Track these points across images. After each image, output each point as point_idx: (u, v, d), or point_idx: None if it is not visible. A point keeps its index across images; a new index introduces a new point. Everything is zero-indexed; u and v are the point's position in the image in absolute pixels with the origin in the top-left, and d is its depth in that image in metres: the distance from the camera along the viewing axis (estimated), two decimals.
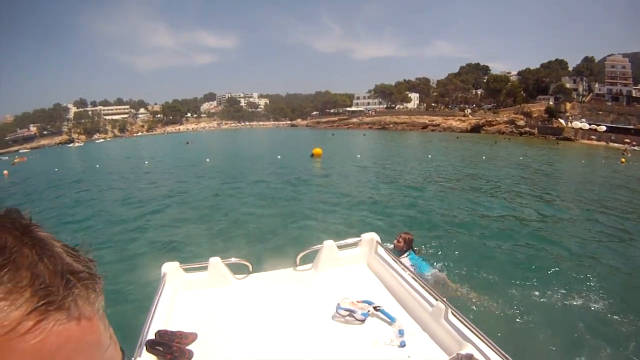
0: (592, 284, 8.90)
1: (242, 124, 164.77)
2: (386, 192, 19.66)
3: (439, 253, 10.48)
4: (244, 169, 29.70)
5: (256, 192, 19.71)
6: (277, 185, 21.33)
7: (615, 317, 7.48)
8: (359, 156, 36.98)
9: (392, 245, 7.32)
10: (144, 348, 2.70)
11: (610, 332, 6.96)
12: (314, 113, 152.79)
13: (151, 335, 2.87)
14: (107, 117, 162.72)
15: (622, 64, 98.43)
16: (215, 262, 4.01)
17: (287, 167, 29.13)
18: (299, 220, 13.91)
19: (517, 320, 7.23)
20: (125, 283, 8.75)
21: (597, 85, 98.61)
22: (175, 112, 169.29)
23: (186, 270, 4.02)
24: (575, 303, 8.00)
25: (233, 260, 4.20)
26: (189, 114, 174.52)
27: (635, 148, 69.69)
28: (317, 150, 35.97)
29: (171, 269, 3.88)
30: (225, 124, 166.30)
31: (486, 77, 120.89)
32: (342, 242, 4.49)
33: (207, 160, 36.27)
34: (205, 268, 4.04)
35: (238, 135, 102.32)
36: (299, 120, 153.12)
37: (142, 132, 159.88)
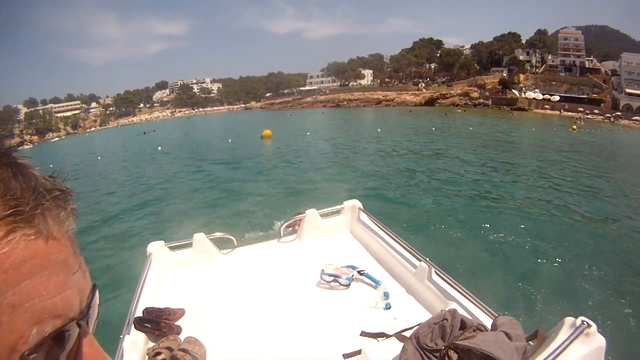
0: (551, 234, 10.58)
1: (196, 110, 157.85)
2: (334, 165, 20.49)
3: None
4: (194, 154, 29.75)
5: (206, 174, 19.98)
6: (226, 167, 21.68)
7: (581, 265, 8.80)
8: (308, 134, 38.74)
9: None
10: (133, 325, 2.74)
11: (577, 283, 7.93)
12: (268, 95, 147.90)
13: (139, 313, 2.90)
14: (59, 115, 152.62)
15: (575, 36, 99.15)
16: (199, 238, 4.00)
17: (237, 150, 29.43)
18: (242, 197, 14.41)
19: (497, 273, 8.06)
20: (110, 265, 8.77)
21: (550, 57, 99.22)
22: (127, 103, 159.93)
23: (171, 248, 3.98)
24: (526, 246, 9.49)
25: (217, 235, 4.22)
26: (141, 105, 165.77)
27: (589, 116, 70.99)
28: (267, 132, 37.09)
29: (156, 248, 3.83)
30: (179, 111, 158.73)
31: (439, 52, 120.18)
32: (325, 210, 4.48)
33: (159, 148, 36.01)
34: (190, 245, 4.03)
35: (191, 122, 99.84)
36: (253, 103, 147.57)
37: (95, 127, 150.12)
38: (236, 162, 23.22)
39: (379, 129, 41.47)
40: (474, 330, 2.20)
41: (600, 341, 1.83)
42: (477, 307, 2.70)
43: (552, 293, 7.61)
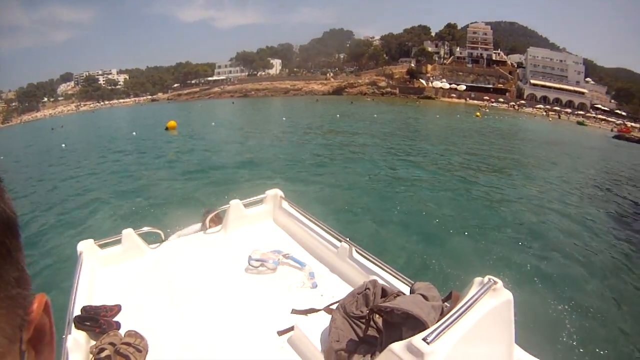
0: (451, 205, 11.56)
1: (102, 103, 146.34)
2: (236, 152, 20.54)
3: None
4: (98, 149, 27.97)
5: (114, 168, 18.84)
6: (129, 159, 21.23)
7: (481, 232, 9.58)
8: (213, 124, 37.97)
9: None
10: (73, 325, 2.69)
11: (484, 248, 8.57)
12: (175, 85, 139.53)
13: (77, 312, 2.85)
14: None
15: (484, 30, 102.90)
16: (128, 233, 3.89)
17: (142, 142, 28.50)
18: (156, 189, 13.96)
19: (411, 247, 8.45)
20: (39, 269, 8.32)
21: (458, 49, 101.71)
22: (30, 97, 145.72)
23: (101, 246, 3.82)
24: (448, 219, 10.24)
25: (145, 229, 4.04)
26: (45, 99, 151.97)
27: (494, 104, 73.63)
28: (172, 123, 36.29)
29: (86, 247, 3.68)
30: (85, 105, 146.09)
31: (349, 42, 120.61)
32: (248, 200, 4.54)
33: (63, 146, 32.58)
34: (119, 241, 3.90)
35: (96, 116, 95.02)
36: (160, 95, 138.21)
37: None
38: (141, 154, 22.51)
39: (284, 118, 42.36)
40: (394, 297, 2.38)
41: (507, 295, 2.06)
42: (396, 277, 2.91)
43: (463, 260, 7.95)
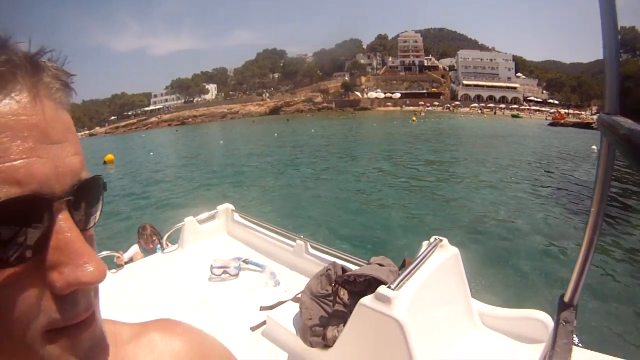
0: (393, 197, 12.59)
1: None
2: (181, 178, 20.43)
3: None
4: None
5: None
6: None
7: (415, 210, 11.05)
8: (151, 154, 37.41)
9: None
10: None
11: (428, 224, 9.68)
12: (112, 118, 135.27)
13: None
14: None
15: (414, 38, 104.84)
16: None
17: None
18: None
19: (362, 233, 9.22)
20: None
21: (390, 59, 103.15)
22: None
23: None
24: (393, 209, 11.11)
25: (104, 253, 3.88)
26: None
27: (429, 108, 74.21)
28: (109, 157, 34.66)
29: None
30: None
31: (282, 61, 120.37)
32: (201, 216, 4.49)
33: None
34: None
35: None
36: (97, 129, 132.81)
37: None
38: None
39: (222, 141, 42.22)
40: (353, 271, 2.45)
41: (454, 249, 2.23)
42: (352, 262, 2.98)
43: (413, 234, 8.74)
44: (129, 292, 3.59)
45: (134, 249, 5.18)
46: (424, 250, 2.13)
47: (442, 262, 2.11)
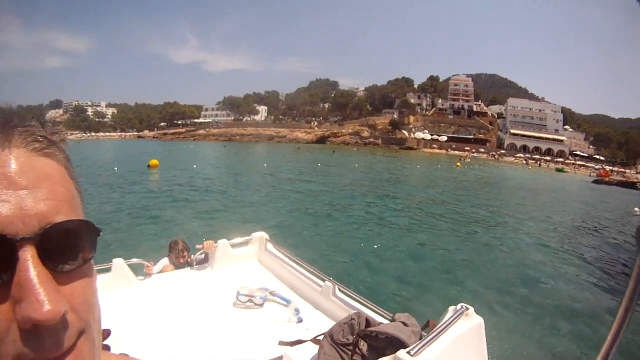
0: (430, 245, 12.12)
1: (88, 134, 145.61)
2: (217, 196, 20.29)
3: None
4: (85, 183, 23.70)
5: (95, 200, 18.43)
6: (112, 195, 20.43)
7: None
8: (195, 166, 37.63)
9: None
10: None
11: (460, 283, 8.97)
12: (162, 124, 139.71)
13: None
14: None
15: (465, 82, 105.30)
16: (118, 262, 4.00)
17: (123, 178, 28.09)
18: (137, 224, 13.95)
19: (391, 284, 8.75)
20: None
21: (440, 101, 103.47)
22: None
23: None
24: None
25: (135, 260, 4.23)
26: (32, 123, 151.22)
27: (475, 154, 74.03)
28: (154, 162, 36.49)
29: None
30: (71, 134, 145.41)
31: (334, 92, 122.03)
32: (235, 240, 4.69)
33: None
34: (109, 269, 3.97)
35: (81, 147, 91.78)
36: (146, 132, 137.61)
37: None
38: (122, 190, 22.15)
39: (265, 164, 41.47)
40: (377, 326, 2.46)
41: (478, 319, 2.20)
42: (377, 312, 2.97)
43: (442, 296, 8.21)
44: (154, 301, 3.81)
45: (164, 261, 5.19)
46: (449, 318, 2.13)
47: (465, 332, 2.11)
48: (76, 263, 0.50)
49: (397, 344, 2.03)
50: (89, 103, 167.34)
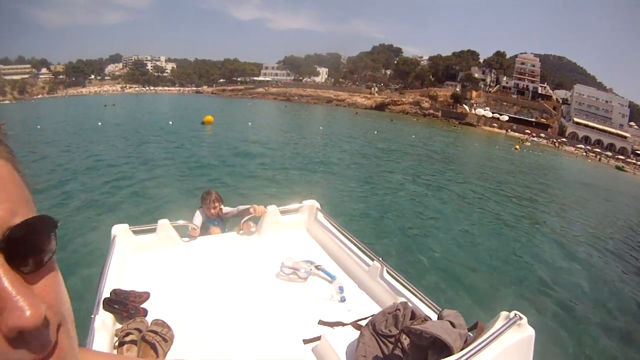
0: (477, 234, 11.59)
1: (147, 88, 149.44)
2: (268, 154, 20.93)
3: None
4: (136, 133, 29.03)
5: (146, 156, 19.28)
6: (165, 147, 21.72)
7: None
8: (250, 124, 38.20)
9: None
10: (101, 306, 2.76)
11: (514, 283, 8.77)
12: (221, 80, 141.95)
13: (107, 294, 2.92)
14: (7, 77, 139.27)
15: (533, 62, 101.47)
16: (163, 224, 4.06)
17: (176, 133, 29.17)
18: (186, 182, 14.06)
19: (442, 275, 8.47)
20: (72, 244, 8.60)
21: (505, 79, 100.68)
22: (78, 73, 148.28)
23: (135, 232, 3.99)
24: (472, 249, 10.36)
25: (181, 222, 4.23)
26: (92, 76, 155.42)
27: (535, 139, 72.09)
28: (208, 118, 36.93)
29: (121, 232, 3.83)
30: (130, 87, 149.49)
31: (397, 59, 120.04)
32: (285, 207, 4.67)
33: (99, 124, 33.86)
34: (153, 230, 4.07)
35: (140, 100, 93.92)
36: (204, 87, 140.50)
37: (42, 95, 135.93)
38: (173, 144, 22.98)
39: (321, 127, 42.30)
40: (422, 320, 2.47)
41: (530, 331, 2.09)
42: (424, 302, 2.93)
43: (492, 291, 8.15)
44: (197, 263, 3.81)
45: (197, 216, 4.95)
46: (500, 327, 2.02)
47: (514, 343, 2.00)
48: (41, 261, 0.50)
49: (440, 345, 2.01)
50: (149, 58, 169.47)
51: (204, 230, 4.86)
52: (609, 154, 71.83)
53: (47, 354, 0.46)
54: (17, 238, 0.47)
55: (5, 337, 0.42)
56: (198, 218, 4.93)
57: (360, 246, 3.86)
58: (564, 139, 75.15)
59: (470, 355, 1.83)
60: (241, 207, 4.91)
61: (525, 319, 2.07)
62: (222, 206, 5.16)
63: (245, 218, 4.56)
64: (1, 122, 0.51)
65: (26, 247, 0.48)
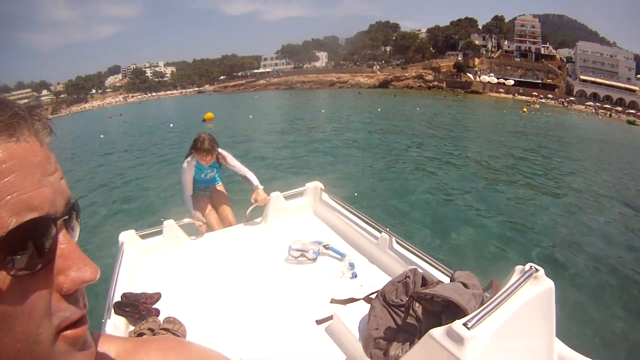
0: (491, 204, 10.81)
1: (149, 95, 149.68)
2: (270, 143, 20.59)
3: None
4: (139, 141, 27.95)
5: (152, 160, 18.99)
6: (162, 152, 21.20)
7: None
8: (250, 116, 38.30)
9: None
10: (113, 310, 2.79)
11: (527, 241, 8.47)
12: (222, 77, 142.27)
13: (117, 298, 2.95)
14: None
15: (532, 23, 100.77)
16: (169, 224, 4.08)
17: (177, 134, 28.85)
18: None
19: (452, 238, 8.32)
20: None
21: (506, 43, 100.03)
22: (79, 89, 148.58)
23: (142, 236, 4.00)
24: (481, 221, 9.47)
25: (186, 221, 4.23)
26: (93, 91, 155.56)
27: (542, 100, 71.82)
28: (209, 115, 37.00)
29: (128, 238, 3.86)
30: (132, 96, 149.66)
31: (395, 35, 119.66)
32: (288, 192, 4.63)
33: (102, 136, 33.89)
34: (160, 232, 4.09)
35: (143, 107, 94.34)
36: (206, 86, 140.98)
37: (46, 116, 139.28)
38: (174, 146, 22.28)
39: (323, 110, 41.77)
40: (434, 285, 2.35)
41: (549, 283, 1.98)
42: (436, 267, 2.90)
43: (504, 251, 8.00)
44: (206, 259, 3.86)
45: (187, 167, 4.48)
46: (515, 281, 1.91)
47: (533, 298, 1.88)
48: (79, 232, 0.57)
49: (454, 308, 1.96)
50: (147, 65, 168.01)
51: (198, 178, 4.66)
52: (619, 109, 70.42)
53: (85, 313, 0.52)
54: (73, 211, 0.54)
55: (65, 294, 0.48)
56: (190, 169, 4.53)
57: (367, 220, 3.85)
58: (572, 98, 74.25)
59: (486, 314, 1.74)
60: (249, 176, 4.58)
61: (542, 270, 1.98)
62: (226, 153, 4.71)
63: (250, 208, 4.53)
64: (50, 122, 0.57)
65: (76, 220, 0.56)
